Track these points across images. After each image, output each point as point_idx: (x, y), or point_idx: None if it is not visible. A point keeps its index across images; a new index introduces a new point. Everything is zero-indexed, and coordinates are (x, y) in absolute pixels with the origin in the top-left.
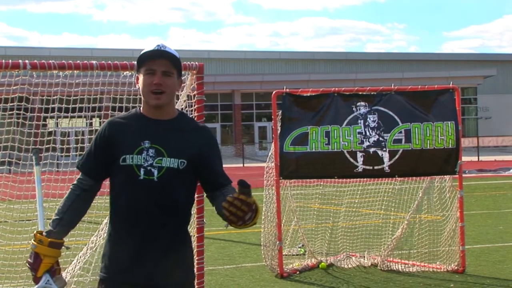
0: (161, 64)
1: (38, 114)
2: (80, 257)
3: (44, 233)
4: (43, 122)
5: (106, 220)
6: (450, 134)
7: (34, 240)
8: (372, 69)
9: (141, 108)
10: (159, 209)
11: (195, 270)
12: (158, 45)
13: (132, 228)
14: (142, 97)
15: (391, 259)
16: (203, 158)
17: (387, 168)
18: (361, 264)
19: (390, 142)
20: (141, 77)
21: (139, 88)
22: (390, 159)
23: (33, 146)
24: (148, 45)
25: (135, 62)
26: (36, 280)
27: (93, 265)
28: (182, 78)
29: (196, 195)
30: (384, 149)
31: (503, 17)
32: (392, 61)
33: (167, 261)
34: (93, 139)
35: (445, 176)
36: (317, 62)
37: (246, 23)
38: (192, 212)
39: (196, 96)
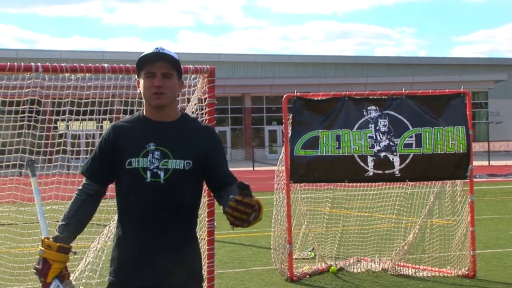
0: (160, 66)
1: (49, 117)
2: (87, 261)
3: (51, 239)
4: (54, 125)
5: (113, 222)
6: (461, 139)
7: (42, 246)
8: (383, 73)
9: (144, 111)
10: (166, 211)
11: (205, 273)
12: (157, 48)
13: (139, 231)
14: (144, 100)
15: (401, 263)
16: (208, 158)
17: (397, 172)
18: (371, 269)
19: (401, 147)
20: (141, 81)
21: (140, 91)
22: (400, 163)
23: (29, 157)
24: (147, 49)
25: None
26: (45, 286)
27: (100, 266)
28: (193, 81)
29: (207, 198)
30: (395, 153)
31: None
32: (402, 65)
33: (175, 263)
34: (98, 143)
35: (456, 180)
36: (327, 66)
37: (255, 27)
38: (199, 214)
39: (207, 99)
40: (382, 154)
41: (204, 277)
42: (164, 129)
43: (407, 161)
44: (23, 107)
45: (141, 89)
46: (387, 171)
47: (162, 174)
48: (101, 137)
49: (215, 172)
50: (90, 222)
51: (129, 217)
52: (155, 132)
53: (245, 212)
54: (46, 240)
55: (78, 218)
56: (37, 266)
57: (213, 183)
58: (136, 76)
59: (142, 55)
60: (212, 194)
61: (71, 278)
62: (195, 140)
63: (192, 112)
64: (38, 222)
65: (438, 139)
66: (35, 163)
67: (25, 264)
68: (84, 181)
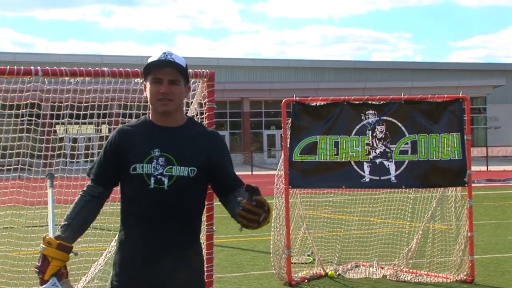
0: (167, 73)
1: (49, 121)
2: (98, 265)
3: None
4: (54, 129)
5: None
6: (455, 145)
7: (42, 243)
8: (381, 78)
9: (150, 116)
10: (169, 217)
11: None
12: (164, 53)
13: (142, 236)
14: (150, 105)
15: (401, 268)
16: (213, 163)
17: (393, 178)
18: (370, 274)
19: (396, 153)
20: (148, 86)
21: (147, 96)
22: (396, 170)
23: (49, 169)
24: (154, 53)
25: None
26: (43, 283)
27: (111, 274)
28: (193, 85)
29: (206, 203)
30: (390, 160)
31: (508, 27)
32: (401, 70)
33: (177, 268)
34: (103, 147)
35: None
36: (326, 71)
37: (252, 31)
38: (202, 220)
39: (207, 103)
40: (378, 160)
41: (205, 282)
42: (169, 135)
43: (403, 167)
44: (23, 110)
45: (147, 94)
46: (383, 177)
47: (166, 180)
48: (106, 141)
49: (221, 177)
50: (94, 225)
51: (132, 222)
52: (160, 137)
53: (257, 212)
54: (46, 237)
55: (80, 219)
56: (37, 264)
57: (219, 188)
58: (135, 80)
59: (150, 60)
60: (211, 199)
61: (82, 281)
62: (200, 146)
63: (192, 116)
64: (41, 226)
65: (434, 146)
66: (54, 176)
67: (27, 268)
68: (88, 183)
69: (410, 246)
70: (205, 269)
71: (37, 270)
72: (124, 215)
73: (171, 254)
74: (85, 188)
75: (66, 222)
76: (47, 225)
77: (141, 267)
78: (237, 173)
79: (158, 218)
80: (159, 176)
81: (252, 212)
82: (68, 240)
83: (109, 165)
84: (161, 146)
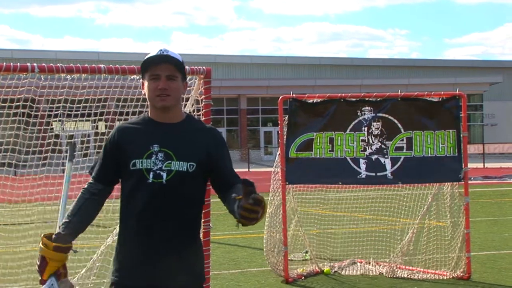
0: (164, 68)
1: (42, 113)
2: (95, 261)
3: (53, 236)
4: (50, 127)
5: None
6: (451, 142)
7: (41, 243)
8: (378, 75)
9: (149, 113)
10: (167, 213)
11: None
12: (161, 50)
13: (141, 231)
14: (148, 102)
15: (397, 265)
16: (211, 159)
17: (389, 175)
18: (367, 271)
19: (392, 150)
20: (146, 83)
21: (145, 93)
22: (392, 166)
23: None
24: (151, 49)
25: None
26: (42, 282)
27: (111, 269)
28: (189, 82)
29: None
30: (386, 156)
31: (504, 25)
32: (398, 67)
33: (176, 264)
34: (104, 145)
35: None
36: (323, 68)
37: (248, 28)
38: (201, 216)
39: (204, 100)
40: (374, 157)
41: (204, 278)
42: (168, 131)
43: (398, 163)
44: (17, 103)
45: (145, 91)
46: (379, 174)
47: (164, 175)
48: (107, 138)
49: (219, 172)
50: (99, 224)
51: (131, 217)
52: (159, 133)
53: (256, 210)
54: (44, 238)
55: (80, 216)
56: (37, 262)
57: (217, 183)
58: (132, 76)
59: (146, 57)
60: (208, 196)
61: (77, 277)
62: (199, 142)
63: (189, 113)
64: (32, 223)
65: (428, 143)
66: (76, 145)
67: (14, 263)
68: (89, 181)
69: (404, 243)
70: (204, 265)
71: (38, 270)
72: (123, 211)
73: (168, 251)
74: (85, 186)
75: (66, 220)
76: (40, 222)
77: (139, 263)
78: (234, 170)
79: (156, 214)
80: (158, 171)
81: (252, 210)
82: (67, 237)
83: (108, 162)
84: (160, 141)
